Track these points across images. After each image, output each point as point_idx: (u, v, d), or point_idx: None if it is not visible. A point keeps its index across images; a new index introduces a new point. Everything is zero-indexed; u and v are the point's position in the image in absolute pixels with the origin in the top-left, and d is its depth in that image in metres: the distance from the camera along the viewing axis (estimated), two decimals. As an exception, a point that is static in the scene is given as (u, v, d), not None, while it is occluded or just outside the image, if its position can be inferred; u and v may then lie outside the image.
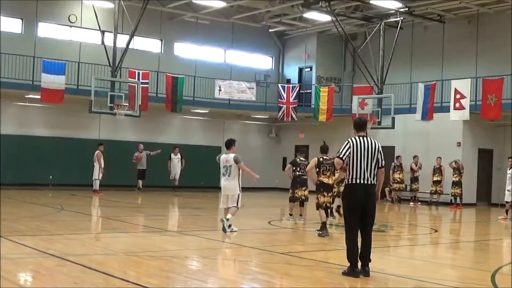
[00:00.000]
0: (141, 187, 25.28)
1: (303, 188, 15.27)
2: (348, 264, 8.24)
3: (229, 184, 12.68)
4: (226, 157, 12.53)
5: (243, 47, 31.05)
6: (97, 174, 23.15)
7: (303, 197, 15.35)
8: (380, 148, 8.42)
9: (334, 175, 13.24)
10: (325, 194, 13.19)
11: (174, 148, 26.45)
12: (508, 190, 18.75)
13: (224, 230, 12.37)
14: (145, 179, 25.58)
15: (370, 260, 8.24)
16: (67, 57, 24.57)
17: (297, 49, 31.88)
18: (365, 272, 8.14)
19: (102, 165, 23.01)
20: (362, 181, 8.24)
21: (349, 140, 8.40)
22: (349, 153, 8.29)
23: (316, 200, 13.18)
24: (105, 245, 10.66)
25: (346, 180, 8.44)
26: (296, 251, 10.61)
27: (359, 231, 8.30)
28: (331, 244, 11.69)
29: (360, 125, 8.60)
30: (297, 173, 15.20)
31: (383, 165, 8.47)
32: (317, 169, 13.19)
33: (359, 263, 8.19)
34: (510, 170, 18.90)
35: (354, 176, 8.27)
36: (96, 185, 23.17)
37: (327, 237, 12.35)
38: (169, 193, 24.77)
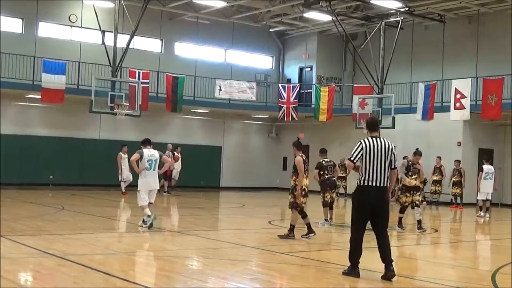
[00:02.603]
0: (166, 189, 24.31)
1: (333, 191, 15.00)
2: (349, 264, 8.20)
3: (156, 179, 12.78)
4: (150, 152, 12.63)
5: (243, 47, 31.06)
6: (122, 175, 22.66)
7: (331, 200, 14.97)
8: (393, 149, 8.19)
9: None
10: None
11: (176, 147, 26.39)
12: (479, 190, 19.56)
13: (151, 225, 12.42)
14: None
15: (392, 260, 8.00)
16: (67, 57, 24.58)
17: (297, 49, 31.89)
18: (390, 272, 7.86)
19: (122, 166, 22.58)
20: (374, 184, 8.00)
21: (361, 141, 8.13)
22: (361, 155, 8.04)
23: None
24: (105, 245, 10.65)
25: (358, 182, 8.16)
26: (296, 251, 10.60)
27: (374, 234, 8.11)
28: (331, 244, 11.69)
29: (372, 125, 8.33)
30: (326, 176, 14.76)
31: (396, 166, 8.26)
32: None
33: (383, 265, 7.97)
34: (489, 171, 19.60)
35: (367, 178, 8.02)
36: (122, 186, 22.73)
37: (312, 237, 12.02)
38: (169, 192, 24.68)
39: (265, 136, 32.24)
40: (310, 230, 12.00)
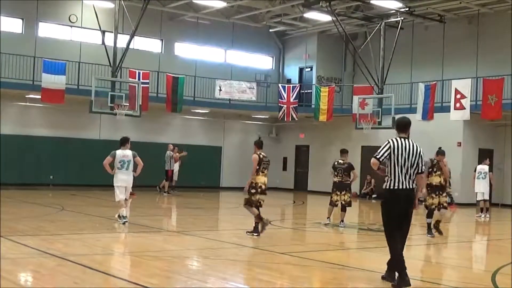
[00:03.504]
0: (166, 190, 24.51)
1: (342, 193, 14.70)
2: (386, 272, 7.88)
3: (129, 178, 13.54)
4: (124, 153, 13.44)
5: (243, 47, 31.05)
6: None
7: (342, 202, 14.71)
8: (421, 153, 7.92)
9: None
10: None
11: (174, 147, 26.39)
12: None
13: (125, 222, 13.25)
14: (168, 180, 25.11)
15: (405, 267, 7.71)
16: (67, 57, 24.56)
17: (297, 49, 31.88)
18: (405, 281, 7.60)
19: None
20: (402, 186, 7.73)
21: (389, 140, 7.84)
22: (388, 154, 7.75)
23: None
24: (105, 245, 10.66)
25: (386, 185, 7.85)
26: (296, 251, 10.61)
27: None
28: (332, 244, 11.69)
29: (402, 126, 8.03)
30: (335, 178, 14.76)
31: (423, 170, 8.04)
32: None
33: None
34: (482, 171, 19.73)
35: (395, 181, 7.75)
36: None
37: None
38: (169, 192, 24.67)
39: (265, 137, 32.15)
40: (256, 230, 12.23)
